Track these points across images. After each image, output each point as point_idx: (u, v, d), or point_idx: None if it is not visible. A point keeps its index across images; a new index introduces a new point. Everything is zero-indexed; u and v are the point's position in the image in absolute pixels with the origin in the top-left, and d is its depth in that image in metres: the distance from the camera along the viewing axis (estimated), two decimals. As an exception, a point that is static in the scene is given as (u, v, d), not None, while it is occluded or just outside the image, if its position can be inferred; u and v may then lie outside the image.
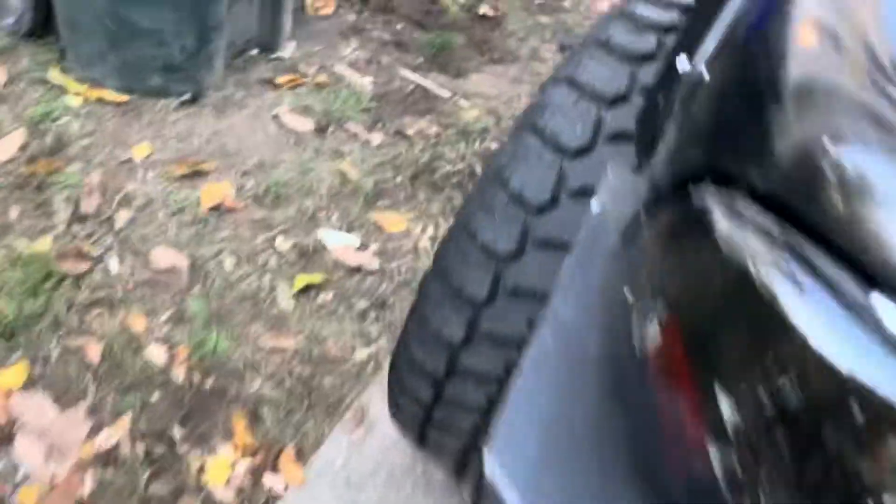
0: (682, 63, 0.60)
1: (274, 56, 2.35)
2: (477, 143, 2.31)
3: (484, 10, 2.92)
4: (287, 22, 2.32)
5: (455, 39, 2.69)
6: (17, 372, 1.43)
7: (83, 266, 1.64)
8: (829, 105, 0.48)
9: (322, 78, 2.34)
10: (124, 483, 1.35)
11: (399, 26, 2.70)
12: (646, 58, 0.98)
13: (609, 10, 3.12)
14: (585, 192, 0.93)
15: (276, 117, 2.15)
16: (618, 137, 0.93)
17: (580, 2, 3.24)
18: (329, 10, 2.66)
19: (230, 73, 2.22)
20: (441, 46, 2.63)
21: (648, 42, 0.99)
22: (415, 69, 2.53)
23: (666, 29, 1.01)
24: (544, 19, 3.02)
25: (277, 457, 1.45)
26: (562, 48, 2.85)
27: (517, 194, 0.95)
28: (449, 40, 2.66)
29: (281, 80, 2.27)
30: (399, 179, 2.12)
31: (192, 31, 1.95)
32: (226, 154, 1.99)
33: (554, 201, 0.93)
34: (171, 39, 1.94)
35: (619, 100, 0.95)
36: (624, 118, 0.94)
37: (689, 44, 0.63)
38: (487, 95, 2.51)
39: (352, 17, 2.68)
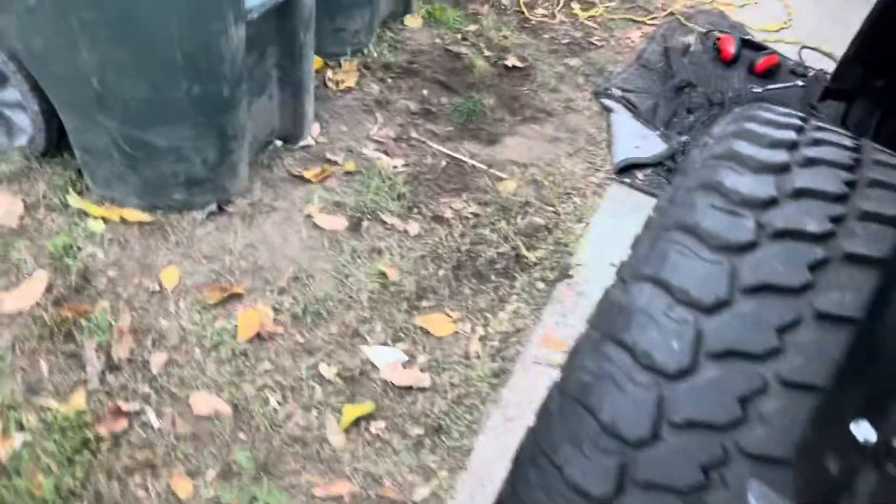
0: (863, 430, 0.46)
1: (299, 145, 2.23)
2: (518, 219, 2.18)
3: (511, 60, 2.78)
4: (310, 109, 2.20)
5: (484, 101, 2.55)
6: (60, 563, 1.34)
7: (121, 424, 1.54)
8: None
9: (351, 165, 2.21)
10: None
11: (425, 91, 2.57)
12: (746, 248, 0.83)
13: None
14: (692, 425, 0.79)
15: (308, 218, 2.03)
16: (725, 356, 0.79)
17: (610, 35, 3.08)
18: (351, 83, 2.53)
19: (256, 172, 2.11)
20: (471, 111, 2.49)
21: (746, 227, 0.85)
22: (445, 140, 2.39)
23: (765, 203, 0.87)
24: (574, 61, 2.87)
25: None
26: (597, 95, 2.69)
27: (609, 425, 0.81)
28: (478, 102, 2.52)
29: (309, 173, 2.15)
30: (441, 273, 1.99)
31: (212, 144, 1.84)
32: (259, 269, 1.88)
33: (655, 436, 0.79)
34: (192, 154, 1.83)
35: (720, 306, 0.81)
36: (729, 329, 0.80)
37: (870, 401, 0.48)
38: (524, 162, 2.36)
39: (375, 86, 2.55)
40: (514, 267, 2.05)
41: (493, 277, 2.01)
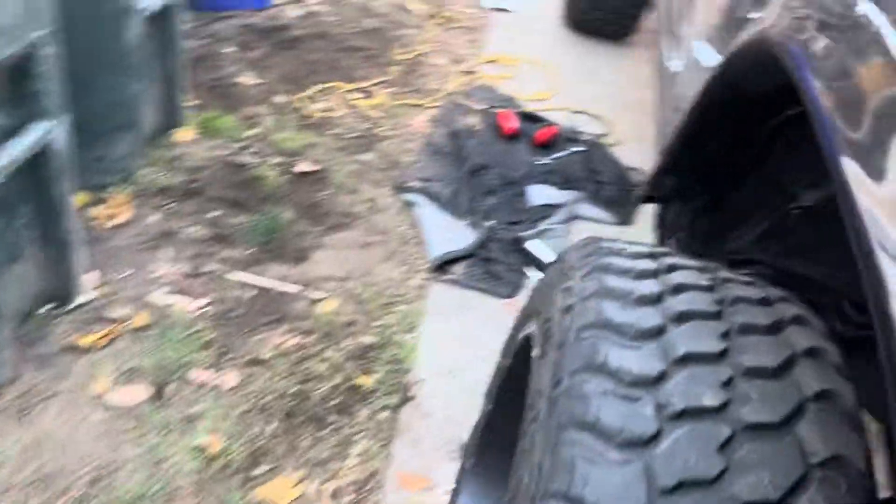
0: None
1: (73, 306, 1.89)
2: (346, 343, 2.01)
3: (302, 165, 2.62)
4: (79, 261, 1.88)
5: (282, 214, 2.36)
6: None
7: None
8: None
9: (142, 318, 1.92)
10: None
11: (214, 213, 2.33)
12: (653, 440, 0.75)
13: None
14: None
15: (98, 396, 1.70)
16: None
17: (396, 123, 3.04)
18: (127, 216, 2.23)
19: (22, 352, 1.75)
20: (269, 228, 2.29)
21: (646, 414, 0.76)
22: (248, 267, 2.17)
23: (657, 380, 0.80)
24: (367, 156, 2.78)
25: None
26: (397, 189, 2.62)
27: None
28: (276, 218, 2.33)
29: (90, 339, 1.83)
30: (273, 427, 1.76)
31: (-41, 339, 1.47)
32: (47, 478, 1.53)
33: None
34: (-68, 356, 1.45)
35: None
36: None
37: None
38: (339, 276, 2.21)
39: (156, 216, 2.26)
40: (351, 400, 1.87)
41: (331, 418, 1.81)
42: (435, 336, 2.09)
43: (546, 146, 2.99)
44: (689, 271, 0.97)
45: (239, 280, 2.11)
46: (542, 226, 2.52)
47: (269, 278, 2.14)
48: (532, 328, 1.15)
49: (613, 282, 0.92)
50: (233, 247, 2.23)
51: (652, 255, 1.00)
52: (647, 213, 2.82)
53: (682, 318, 0.87)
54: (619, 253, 1.00)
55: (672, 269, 0.97)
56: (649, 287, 0.92)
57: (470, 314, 2.18)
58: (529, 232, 2.46)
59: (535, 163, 2.88)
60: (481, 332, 2.12)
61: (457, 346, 2.07)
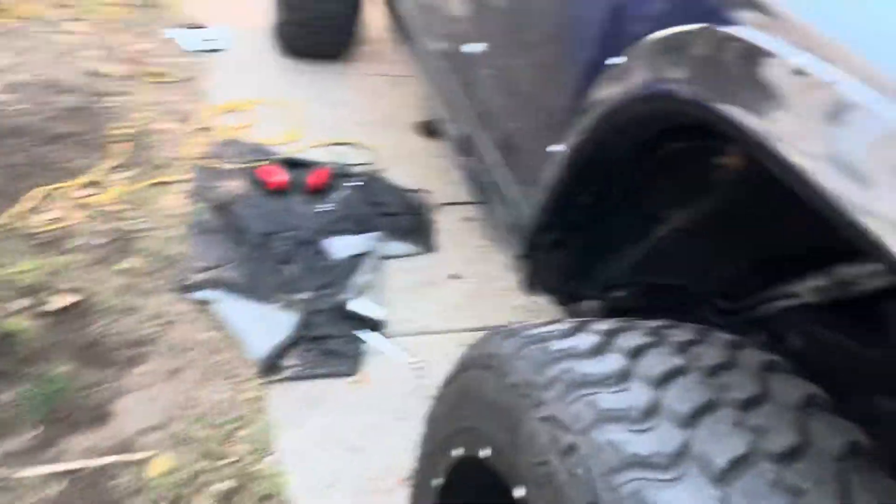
0: None
1: None
2: (201, 499, 1.69)
3: (57, 298, 2.15)
4: None
5: (57, 371, 1.91)
6: None
7: None
8: None
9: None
10: None
11: (-35, 402, 1.81)
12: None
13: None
14: None
15: None
16: None
17: (147, 210, 2.64)
18: None
19: None
20: (48, 394, 1.84)
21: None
22: (42, 454, 1.72)
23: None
24: (129, 263, 2.37)
25: None
26: (182, 291, 2.26)
27: None
28: (52, 378, 1.88)
29: None
30: None
31: None
32: None
33: None
34: None
35: None
36: None
37: None
38: (158, 422, 1.84)
39: None
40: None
41: None
42: (296, 450, 1.83)
43: (321, 191, 2.80)
44: (655, 350, 0.88)
45: (37, 476, 1.66)
46: (357, 279, 2.35)
47: (75, 459, 1.72)
48: (481, 450, 1.00)
49: (605, 400, 0.81)
50: (11, 435, 1.75)
51: (608, 342, 0.90)
52: (446, 233, 2.78)
53: (695, 419, 0.79)
54: (578, 353, 0.88)
55: (639, 351, 0.88)
56: (643, 393, 0.81)
57: (322, 409, 1.95)
58: (348, 293, 2.27)
59: (319, 212, 2.68)
60: (341, 423, 1.92)
61: (323, 453, 1.84)
